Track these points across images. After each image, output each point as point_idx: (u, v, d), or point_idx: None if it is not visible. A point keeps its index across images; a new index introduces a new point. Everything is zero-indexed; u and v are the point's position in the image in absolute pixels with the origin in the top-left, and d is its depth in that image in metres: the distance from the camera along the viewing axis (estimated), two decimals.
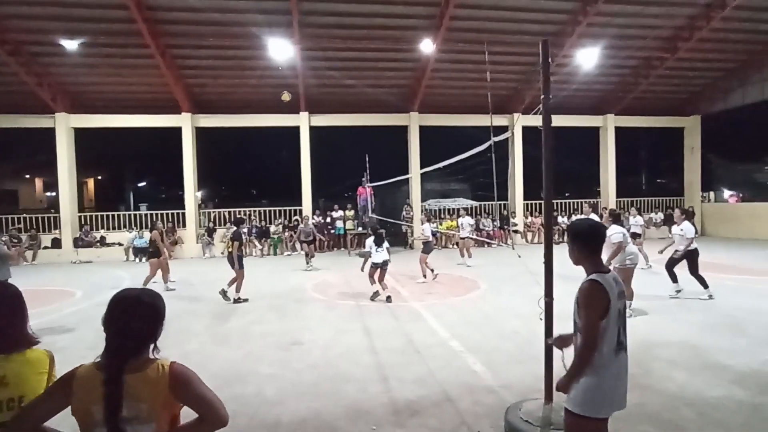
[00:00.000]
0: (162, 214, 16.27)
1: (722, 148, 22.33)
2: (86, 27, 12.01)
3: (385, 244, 8.15)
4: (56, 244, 15.11)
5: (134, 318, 1.51)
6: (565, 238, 2.30)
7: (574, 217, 16.89)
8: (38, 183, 29.02)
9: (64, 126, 14.88)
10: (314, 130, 16.28)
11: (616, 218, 6.90)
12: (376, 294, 8.10)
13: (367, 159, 15.50)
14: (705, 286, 7.38)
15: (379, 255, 8.03)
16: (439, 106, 16.54)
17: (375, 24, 12.91)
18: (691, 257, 7.45)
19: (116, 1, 11.13)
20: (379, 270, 8.02)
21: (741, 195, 23.48)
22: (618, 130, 17.97)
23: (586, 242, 2.22)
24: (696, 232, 7.62)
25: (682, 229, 7.51)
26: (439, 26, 12.63)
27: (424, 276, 9.89)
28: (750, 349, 5.08)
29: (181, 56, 13.60)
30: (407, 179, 16.06)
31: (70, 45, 12.15)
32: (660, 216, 18.26)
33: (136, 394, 1.45)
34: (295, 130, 16.13)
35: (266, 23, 12.46)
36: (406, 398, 4.06)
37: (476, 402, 3.95)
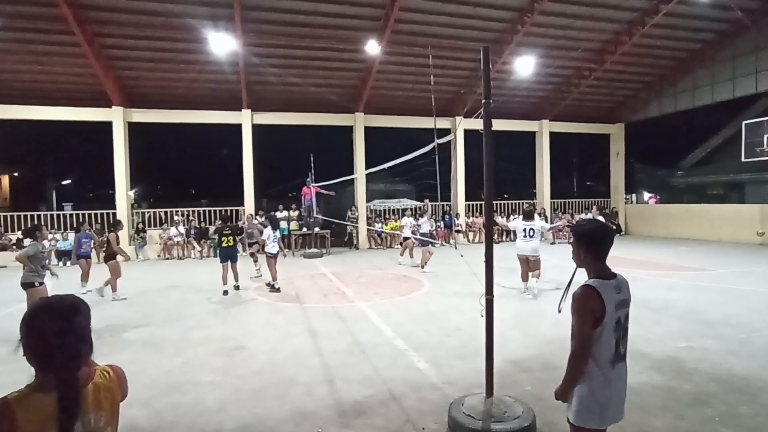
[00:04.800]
0: (91, 215, 15.15)
1: (643, 154, 24.30)
2: (3, 9, 10.90)
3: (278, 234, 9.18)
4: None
5: (78, 324, 1.37)
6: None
7: (512, 218, 17.67)
8: None
9: None
10: (257, 129, 15.85)
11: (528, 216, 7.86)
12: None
13: (311, 159, 15.34)
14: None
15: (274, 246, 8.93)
16: (384, 107, 16.69)
17: (320, 23, 12.79)
18: None
19: None
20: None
21: (658, 197, 25.70)
22: (552, 135, 19.05)
23: (590, 245, 2.11)
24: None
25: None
26: (384, 28, 12.75)
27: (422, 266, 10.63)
28: (665, 337, 5.57)
29: (111, 46, 12.73)
30: (353, 179, 16.06)
31: None
32: (589, 216, 19.52)
33: (95, 404, 1.36)
34: (236, 128, 15.61)
35: (207, 16, 11.97)
36: (353, 399, 4.07)
37: (421, 399, 4.03)
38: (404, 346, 5.49)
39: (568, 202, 20.18)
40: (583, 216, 19.30)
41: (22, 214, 14.95)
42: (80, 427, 1.32)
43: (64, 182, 31.88)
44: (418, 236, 11.51)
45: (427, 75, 14.45)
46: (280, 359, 5.13)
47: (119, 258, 8.66)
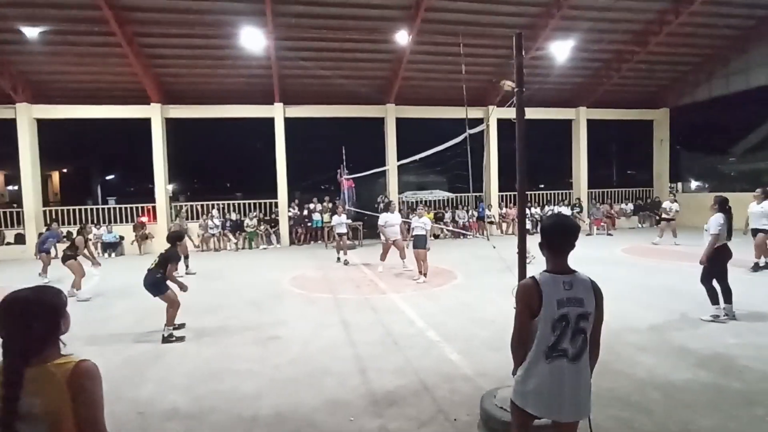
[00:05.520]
0: (132, 208, 15.82)
1: (689, 140, 23.08)
2: (48, 13, 11.44)
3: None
4: (20, 239, 14.51)
5: (30, 319, 1.45)
6: (539, 228, 2.27)
7: (546, 209, 17.24)
8: None
9: (26, 117, 14.20)
10: (289, 122, 16.05)
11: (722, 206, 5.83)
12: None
13: (343, 151, 15.43)
14: (715, 301, 5.68)
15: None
16: (415, 98, 16.53)
17: (350, 14, 12.76)
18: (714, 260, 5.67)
19: None
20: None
21: (707, 185, 24.38)
22: (590, 122, 18.36)
23: (548, 239, 2.15)
24: (720, 225, 5.62)
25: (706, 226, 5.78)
26: (415, 17, 12.58)
27: (422, 274, 8.81)
28: (712, 334, 5.29)
29: (149, 45, 13.14)
30: (384, 171, 16.05)
31: (32, 32, 11.52)
32: (630, 206, 18.78)
33: (33, 389, 1.41)
34: (269, 122, 15.86)
35: (239, 12, 12.16)
36: (385, 389, 4.09)
37: (453, 390, 4.00)
38: (436, 337, 5.46)
39: (607, 192, 19.45)
40: (623, 206, 18.64)
41: (71, 208, 15.80)
42: (21, 408, 1.39)
43: (108, 177, 33.49)
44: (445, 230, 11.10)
45: (458, 64, 14.17)
46: (314, 349, 5.21)
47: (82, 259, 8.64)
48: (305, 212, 16.47)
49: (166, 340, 5.60)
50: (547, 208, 17.49)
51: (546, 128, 18.50)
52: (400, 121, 16.77)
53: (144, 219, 15.39)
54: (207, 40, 13.07)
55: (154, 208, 15.48)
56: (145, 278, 5.80)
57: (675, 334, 5.29)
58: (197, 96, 15.36)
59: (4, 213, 15.34)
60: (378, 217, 10.56)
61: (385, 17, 13.01)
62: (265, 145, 16.68)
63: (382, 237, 10.14)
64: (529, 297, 2.06)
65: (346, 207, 15.42)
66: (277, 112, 15.72)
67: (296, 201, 17.02)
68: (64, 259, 8.45)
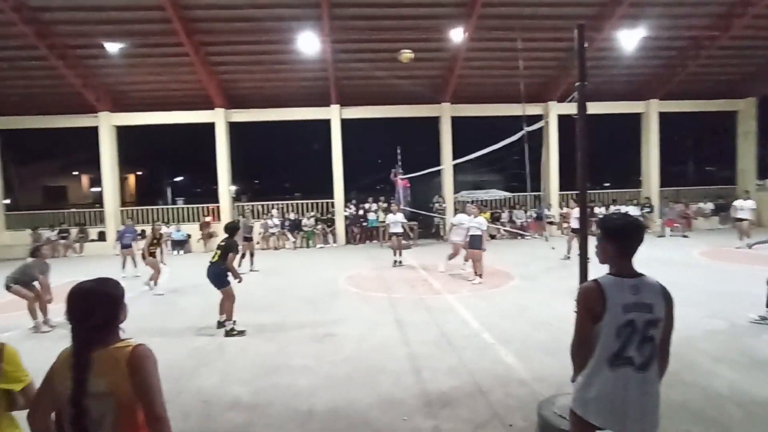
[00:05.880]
0: (198, 208, 16.83)
1: None
2: (126, 29, 12.46)
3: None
4: (102, 236, 15.90)
5: (92, 308, 1.61)
6: (602, 228, 2.13)
7: (612, 209, 16.32)
8: (84, 179, 30.48)
9: (107, 124, 15.56)
10: (345, 123, 16.34)
11: None
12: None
13: (398, 151, 15.49)
14: None
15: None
16: (471, 96, 16.24)
17: (405, 14, 12.77)
18: None
19: (154, 3, 11.48)
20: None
21: None
22: (662, 115, 17.11)
23: (617, 241, 2.01)
24: None
25: None
26: (470, 14, 12.36)
27: (477, 275, 8.64)
28: None
29: (213, 53, 13.90)
30: (439, 171, 15.92)
31: (112, 47, 12.66)
32: (710, 206, 17.29)
33: (100, 370, 1.56)
34: (326, 123, 16.24)
35: (296, 17, 12.56)
36: (439, 389, 4.05)
37: (508, 394, 3.89)
38: (491, 339, 5.33)
39: (681, 190, 18.06)
40: (702, 205, 17.22)
41: (145, 208, 17.11)
42: (90, 388, 1.55)
43: (177, 179, 35.83)
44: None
45: (516, 60, 13.76)
46: (368, 347, 5.26)
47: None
48: (361, 212, 16.70)
49: (229, 333, 5.87)
50: (612, 208, 16.54)
51: (613, 123, 17.54)
52: (455, 120, 16.55)
53: (208, 219, 16.27)
54: (266, 45, 13.60)
55: (218, 207, 16.36)
56: (209, 270, 6.09)
57: (756, 345, 4.81)
58: (257, 100, 16.04)
59: (89, 213, 16.91)
60: (446, 217, 10.45)
61: (440, 15, 12.89)
62: (322, 146, 17.10)
63: (453, 237, 9.89)
64: (591, 301, 1.96)
65: (401, 206, 15.49)
66: (334, 114, 16.06)
67: (352, 201, 17.31)
68: (144, 256, 9.12)
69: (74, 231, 15.85)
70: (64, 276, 11.08)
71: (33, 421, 1.64)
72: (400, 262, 11.19)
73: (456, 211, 16.07)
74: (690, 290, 6.98)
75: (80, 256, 15.16)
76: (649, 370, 1.93)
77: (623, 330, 1.91)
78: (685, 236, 14.59)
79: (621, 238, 2.02)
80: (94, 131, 15.63)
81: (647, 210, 16.17)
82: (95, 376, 1.56)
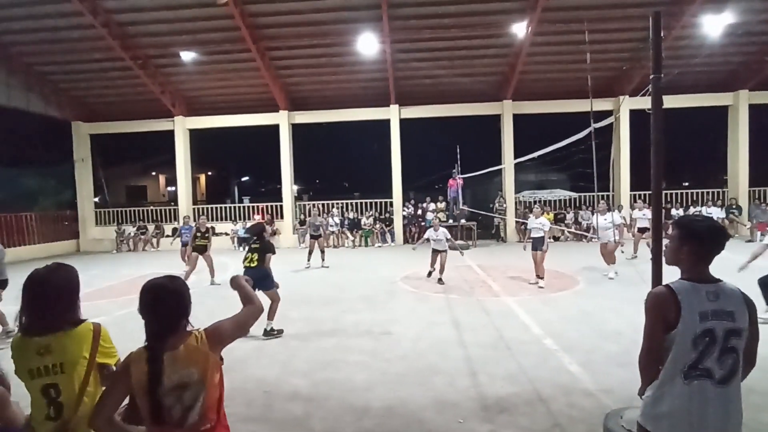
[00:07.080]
0: (262, 207, 17.57)
1: None
2: (199, 38, 13.31)
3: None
4: (176, 232, 17.07)
5: (164, 303, 1.71)
6: (670, 230, 1.94)
7: (691, 210, 15.06)
8: (161, 179, 32.98)
9: (181, 128, 16.73)
10: (404, 122, 16.37)
11: None
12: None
13: (458, 150, 15.29)
14: None
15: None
16: (534, 92, 15.69)
17: (465, 11, 12.57)
18: None
19: (223, 12, 12.15)
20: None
21: None
22: (752, 108, 15.54)
23: (700, 245, 1.85)
24: None
25: None
26: (534, 7, 11.91)
27: (539, 277, 8.33)
28: None
29: (277, 57, 14.47)
30: (500, 170, 15.51)
31: (187, 56, 13.62)
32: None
33: (186, 361, 1.66)
34: (385, 123, 16.37)
35: (356, 19, 12.76)
36: (496, 394, 3.94)
37: (571, 404, 3.71)
38: (554, 345, 5.11)
39: None
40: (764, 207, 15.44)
41: (214, 206, 18.18)
42: (176, 380, 1.64)
43: (243, 179, 37.75)
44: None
45: (583, 53, 13.08)
46: (424, 347, 5.24)
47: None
48: (419, 211, 16.68)
49: (268, 333, 5.75)
50: (692, 209, 15.27)
51: (694, 117, 16.18)
52: (517, 118, 16.06)
53: (257, 217, 16.88)
54: (327, 48, 13.95)
55: (281, 206, 17.00)
56: (252, 274, 5.50)
57: None
58: (318, 101, 16.53)
59: (165, 210, 18.29)
60: (506, 218, 10.12)
61: (501, 10, 12.55)
62: (381, 146, 17.27)
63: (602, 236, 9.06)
64: (663, 307, 1.80)
65: (460, 207, 15.30)
66: (393, 114, 16.15)
67: (411, 200, 17.33)
68: (201, 251, 9.64)
69: (151, 227, 17.16)
70: (143, 268, 12.10)
71: (98, 420, 1.69)
72: (440, 280, 9.01)
73: (518, 212, 15.56)
74: None
75: (157, 251, 16.39)
76: (732, 385, 1.76)
77: (700, 340, 1.75)
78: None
79: (701, 242, 1.85)
80: (170, 134, 16.88)
81: (735, 212, 14.75)
82: (186, 367, 1.65)
